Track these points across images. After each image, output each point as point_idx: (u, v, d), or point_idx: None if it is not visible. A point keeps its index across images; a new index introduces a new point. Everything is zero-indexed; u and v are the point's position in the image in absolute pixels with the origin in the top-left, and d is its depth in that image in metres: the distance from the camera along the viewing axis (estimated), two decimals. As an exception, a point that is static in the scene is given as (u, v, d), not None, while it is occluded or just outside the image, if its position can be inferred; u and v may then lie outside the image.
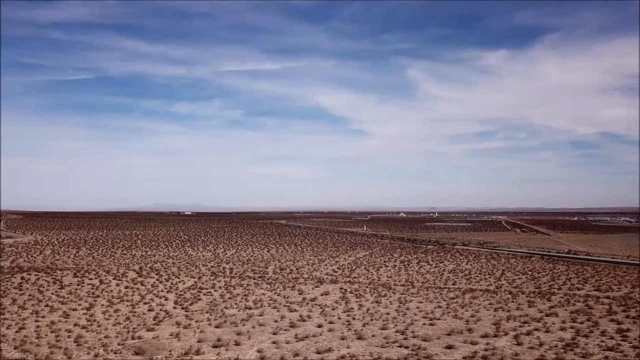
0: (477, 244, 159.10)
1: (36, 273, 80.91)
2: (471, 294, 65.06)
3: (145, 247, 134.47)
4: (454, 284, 73.95)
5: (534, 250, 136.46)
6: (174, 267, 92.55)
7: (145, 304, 56.53)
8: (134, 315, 50.17)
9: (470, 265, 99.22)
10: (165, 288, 67.83)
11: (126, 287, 67.94)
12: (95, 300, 58.07)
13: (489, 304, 58.00)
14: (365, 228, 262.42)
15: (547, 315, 51.84)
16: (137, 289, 67.13)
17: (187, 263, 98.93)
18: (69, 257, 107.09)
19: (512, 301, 59.76)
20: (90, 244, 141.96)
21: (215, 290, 66.14)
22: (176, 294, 63.46)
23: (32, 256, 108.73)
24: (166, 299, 59.56)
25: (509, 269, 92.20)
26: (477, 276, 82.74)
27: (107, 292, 64.41)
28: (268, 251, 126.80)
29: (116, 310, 52.40)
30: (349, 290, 67.07)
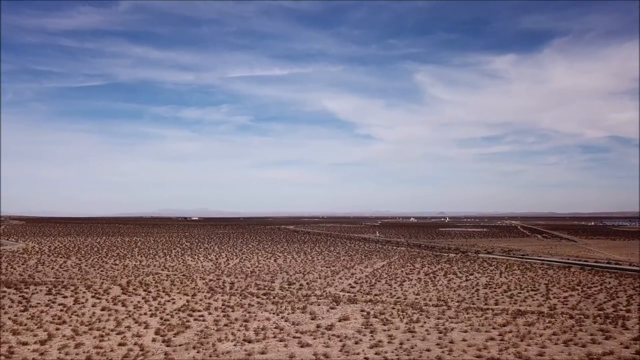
0: (502, 251, 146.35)
1: (5, 289, 69.57)
2: (523, 318, 52.81)
3: (141, 256, 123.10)
4: (496, 304, 61.68)
5: (569, 259, 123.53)
6: (166, 280, 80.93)
7: (118, 334, 44.78)
8: (97, 354, 38.45)
9: (505, 277, 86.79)
10: (150, 310, 56.13)
11: (103, 309, 56.31)
12: (57, 329, 46.42)
13: (552, 333, 45.74)
14: (377, 234, 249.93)
15: (638, 353, 39.56)
16: (116, 310, 55.49)
17: (183, 276, 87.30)
18: (52, 268, 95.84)
19: (580, 329, 47.44)
20: (83, 252, 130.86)
21: (210, 313, 54.37)
22: (161, 318, 51.73)
23: (12, 267, 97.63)
24: (147, 327, 47.81)
25: (552, 283, 79.72)
26: (520, 292, 70.37)
27: (77, 315, 52.79)
28: (275, 261, 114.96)
29: (78, 345, 40.69)
30: (372, 313, 55.03)
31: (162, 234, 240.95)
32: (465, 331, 46.67)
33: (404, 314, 54.68)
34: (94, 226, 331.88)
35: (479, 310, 57.12)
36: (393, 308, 58.16)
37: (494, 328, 47.90)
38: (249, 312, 54.95)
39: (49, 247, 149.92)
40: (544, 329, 47.54)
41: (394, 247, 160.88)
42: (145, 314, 54.02)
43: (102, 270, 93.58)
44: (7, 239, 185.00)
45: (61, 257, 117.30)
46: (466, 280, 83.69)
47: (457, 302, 62.96)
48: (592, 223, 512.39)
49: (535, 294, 68.97)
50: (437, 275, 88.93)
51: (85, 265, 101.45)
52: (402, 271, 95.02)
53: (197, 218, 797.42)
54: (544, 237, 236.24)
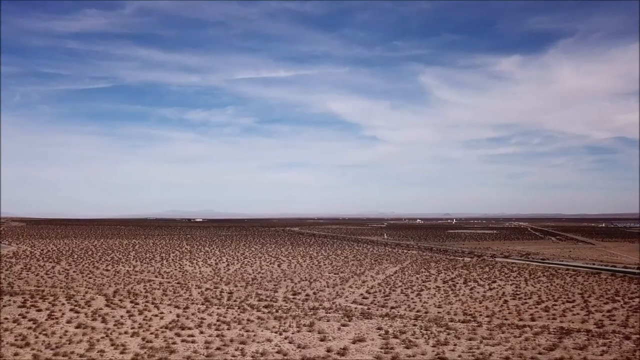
0: (519, 255, 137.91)
1: (-25, 300, 61.98)
2: (571, 338, 44.71)
3: (137, 261, 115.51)
4: (532, 319, 53.55)
5: (594, 263, 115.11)
6: (159, 289, 73.20)
7: (87, 361, 37.03)
8: (54, 391, 30.69)
9: (533, 286, 78.59)
10: (133, 327, 48.32)
11: (78, 326, 48.51)
12: (16, 355, 38.70)
13: (614, 361, 37.68)
14: (386, 236, 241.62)
15: None
16: (93, 328, 47.70)
17: (178, 283, 79.59)
18: (37, 275, 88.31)
19: (645, 355, 39.33)
20: (75, 257, 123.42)
21: (202, 332, 46.51)
22: (143, 338, 43.92)
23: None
24: (124, 351, 40.03)
25: (587, 292, 71.48)
26: (555, 304, 62.18)
27: (46, 335, 45.04)
28: (279, 266, 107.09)
29: (33, 378, 32.95)
30: (391, 331, 47.02)
31: (163, 236, 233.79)
32: (507, 358, 38.64)
33: (429, 332, 46.65)
34: (95, 228, 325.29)
35: (516, 328, 49.01)
36: (414, 325, 50.13)
37: (540, 353, 39.84)
38: (247, 331, 47.05)
39: (42, 250, 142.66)
40: (601, 355, 39.47)
41: (405, 251, 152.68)
42: (126, 332, 46.20)
43: (90, 277, 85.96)
44: (1, 242, 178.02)
45: (50, 262, 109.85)
46: (490, 289, 75.55)
47: (487, 316, 54.89)
48: (603, 225, 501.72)
49: (573, 307, 60.77)
50: (457, 283, 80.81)
51: (74, 271, 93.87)
52: (417, 278, 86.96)
53: (201, 220, 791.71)
54: (559, 240, 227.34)
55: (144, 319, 51.98)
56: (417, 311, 57.88)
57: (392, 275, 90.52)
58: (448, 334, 46.08)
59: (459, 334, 46.13)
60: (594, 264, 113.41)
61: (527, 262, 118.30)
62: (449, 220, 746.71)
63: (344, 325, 49.89)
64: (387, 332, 46.86)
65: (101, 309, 57.75)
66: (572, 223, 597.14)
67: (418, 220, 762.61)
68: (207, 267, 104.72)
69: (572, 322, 52.07)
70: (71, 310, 56.65)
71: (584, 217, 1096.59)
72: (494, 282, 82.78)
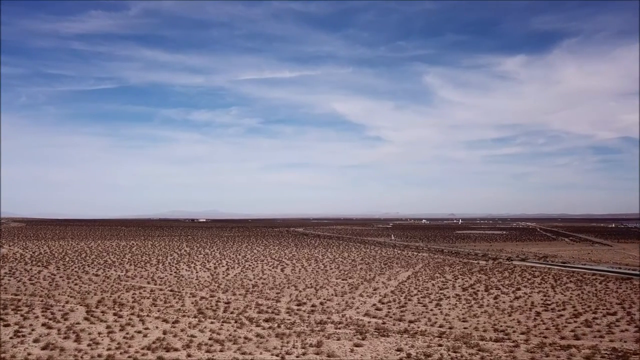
0: (536, 258, 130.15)
1: (-61, 312, 54.88)
2: (631, 364, 37.26)
3: (131, 264, 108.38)
4: (576, 337, 46.01)
5: (620, 267, 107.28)
6: (148, 298, 65.99)
7: (42, 398, 29.79)
8: None
9: (562, 294, 71.02)
10: (110, 348, 41.08)
11: (45, 347, 41.27)
12: (-43, 387, 31.57)
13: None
14: (393, 237, 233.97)
15: None
16: (62, 349, 40.46)
17: (171, 291, 72.36)
18: (19, 281, 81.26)
19: None
20: (67, 260, 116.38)
21: (189, 355, 39.22)
22: (119, 364, 36.69)
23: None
24: (91, 382, 32.81)
25: (626, 302, 63.88)
26: (594, 317, 54.63)
27: (3, 359, 37.85)
28: (282, 270, 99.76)
29: None
30: (414, 354, 39.59)
31: (163, 238, 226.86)
32: (563, 393, 31.20)
33: (459, 356, 39.22)
34: (95, 229, 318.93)
35: (560, 349, 41.51)
36: (440, 345, 42.69)
37: (602, 386, 32.38)
38: (243, 353, 39.75)
39: (33, 252, 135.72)
40: (678, 389, 31.96)
41: (415, 253, 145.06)
42: (99, 355, 38.96)
43: (76, 284, 78.81)
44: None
45: (38, 266, 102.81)
46: (515, 297, 68.03)
47: (522, 333, 47.40)
48: (613, 225, 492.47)
49: (618, 320, 53.21)
50: (478, 291, 73.31)
51: (60, 277, 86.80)
52: (433, 285, 79.47)
53: (204, 220, 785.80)
54: (573, 241, 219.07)
55: (124, 337, 44.72)
56: (440, 326, 50.46)
57: (406, 282, 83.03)
58: (482, 358, 38.67)
59: (495, 358, 38.70)
60: (620, 268, 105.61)
61: (548, 266, 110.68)
62: (455, 221, 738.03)
63: (357, 345, 42.48)
64: (409, 355, 39.45)
65: (78, 323, 50.54)
66: (580, 223, 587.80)
67: (423, 220, 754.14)
68: (205, 271, 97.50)
69: (625, 342, 44.53)
70: (43, 325, 49.44)
71: (590, 217, 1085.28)
72: (518, 289, 75.24)
